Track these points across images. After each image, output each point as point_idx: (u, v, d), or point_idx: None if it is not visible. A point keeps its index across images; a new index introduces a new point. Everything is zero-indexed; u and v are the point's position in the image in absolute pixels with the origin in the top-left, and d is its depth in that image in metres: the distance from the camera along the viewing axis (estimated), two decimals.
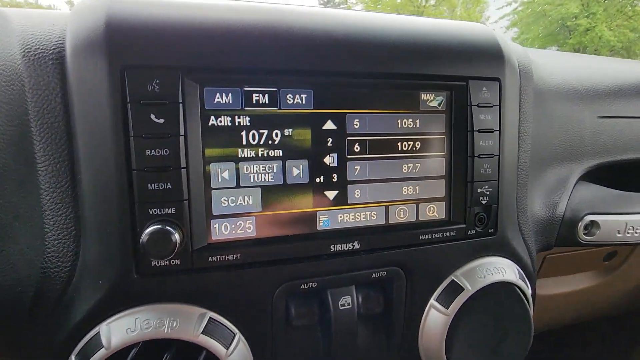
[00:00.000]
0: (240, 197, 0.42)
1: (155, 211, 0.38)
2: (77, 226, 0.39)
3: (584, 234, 0.63)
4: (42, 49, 0.39)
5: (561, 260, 0.81)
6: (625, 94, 0.71)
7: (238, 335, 0.42)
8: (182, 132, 0.38)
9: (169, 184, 0.38)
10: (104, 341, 0.37)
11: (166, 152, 0.37)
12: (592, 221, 0.63)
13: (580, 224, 0.62)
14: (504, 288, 0.50)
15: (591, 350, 1.12)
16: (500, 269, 0.51)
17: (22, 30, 0.40)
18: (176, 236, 0.37)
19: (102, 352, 0.36)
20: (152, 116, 0.37)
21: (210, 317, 0.40)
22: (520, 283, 0.52)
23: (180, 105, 0.38)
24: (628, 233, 0.64)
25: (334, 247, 0.44)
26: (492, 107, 0.49)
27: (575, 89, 0.67)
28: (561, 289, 0.86)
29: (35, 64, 0.38)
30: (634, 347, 1.04)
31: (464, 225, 0.49)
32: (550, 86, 0.63)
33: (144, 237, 0.36)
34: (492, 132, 0.49)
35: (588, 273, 0.89)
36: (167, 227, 0.37)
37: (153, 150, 0.37)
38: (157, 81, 0.37)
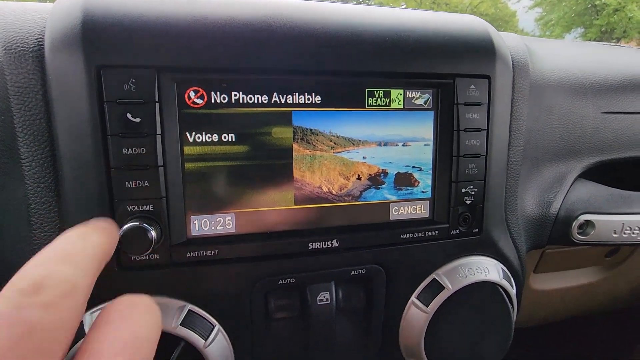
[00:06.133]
0: (220, 194, 0.42)
1: (133, 208, 0.39)
2: (61, 220, 0.40)
3: (578, 233, 0.62)
4: (22, 45, 0.39)
5: (560, 255, 0.79)
6: (635, 88, 0.68)
7: (217, 327, 0.43)
8: (158, 131, 0.38)
9: (146, 182, 0.38)
10: (87, 330, 0.38)
11: (143, 150, 0.38)
12: (587, 221, 0.62)
13: (574, 223, 0.61)
14: (486, 288, 0.50)
15: (592, 344, 1.11)
16: (484, 269, 0.51)
17: (4, 26, 0.40)
18: (152, 233, 0.38)
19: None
20: (129, 115, 0.37)
21: (189, 310, 0.42)
22: (504, 283, 0.51)
23: (157, 104, 0.38)
24: (625, 233, 0.63)
25: (312, 244, 0.45)
26: (480, 105, 0.47)
27: (579, 83, 0.64)
28: (560, 284, 0.84)
29: (16, 61, 0.38)
30: (635, 343, 1.03)
31: (447, 225, 0.49)
32: (550, 80, 0.60)
33: (121, 233, 0.37)
34: (480, 131, 0.48)
35: (589, 269, 0.88)
36: (143, 224, 0.37)
37: (130, 149, 0.38)
38: (133, 80, 0.37)
